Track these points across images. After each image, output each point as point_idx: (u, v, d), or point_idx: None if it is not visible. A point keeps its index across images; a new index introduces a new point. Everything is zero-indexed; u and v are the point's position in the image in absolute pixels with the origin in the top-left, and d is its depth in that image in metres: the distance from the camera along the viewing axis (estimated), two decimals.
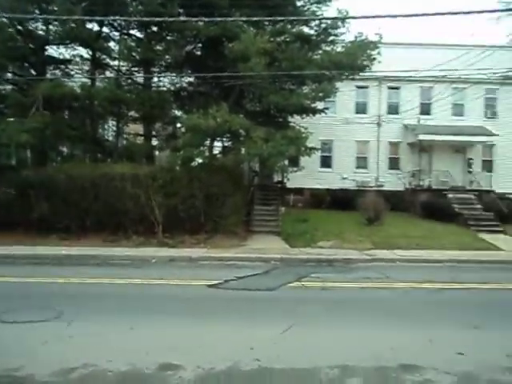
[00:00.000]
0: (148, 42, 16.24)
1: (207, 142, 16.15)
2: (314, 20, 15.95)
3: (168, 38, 16.55)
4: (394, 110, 22.71)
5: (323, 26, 15.86)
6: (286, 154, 14.02)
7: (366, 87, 22.35)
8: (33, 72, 16.81)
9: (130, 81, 17.96)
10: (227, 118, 13.01)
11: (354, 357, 4.73)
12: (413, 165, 21.95)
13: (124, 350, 5.01)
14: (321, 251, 12.69)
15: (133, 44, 16.94)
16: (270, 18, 13.04)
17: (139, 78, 18.06)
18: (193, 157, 15.15)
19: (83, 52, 17.76)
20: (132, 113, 18.43)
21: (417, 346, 5.18)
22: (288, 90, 15.62)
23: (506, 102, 22.60)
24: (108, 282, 8.69)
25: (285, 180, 20.85)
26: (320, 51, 15.92)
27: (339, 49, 15.84)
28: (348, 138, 22.45)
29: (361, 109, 22.74)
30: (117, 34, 17.75)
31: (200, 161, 16.33)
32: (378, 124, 22.52)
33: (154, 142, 20.56)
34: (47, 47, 17.06)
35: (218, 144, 18.52)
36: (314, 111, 16.78)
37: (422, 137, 20.95)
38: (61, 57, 17.90)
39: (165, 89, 18.63)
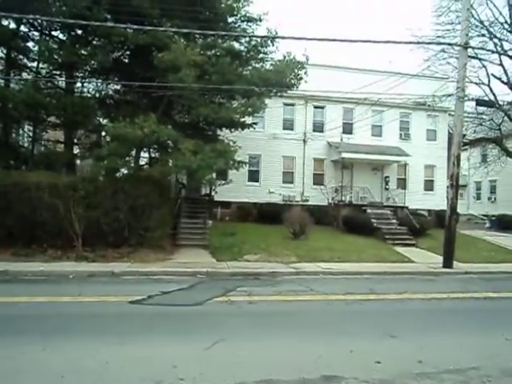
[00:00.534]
0: (72, 44, 15.39)
1: (133, 153, 15.64)
2: (245, 37, 16.26)
3: (94, 42, 15.86)
4: (319, 127, 23.75)
5: (253, 43, 16.21)
6: (215, 166, 13.99)
7: (293, 105, 23.16)
8: None
9: (50, 84, 16.85)
10: (155, 128, 12.72)
11: (278, 370, 4.74)
12: (336, 181, 23.02)
13: (37, 374, 4.58)
14: (247, 265, 12.75)
15: (55, 46, 15.96)
16: (201, 32, 13.05)
17: (61, 82, 17.06)
18: (118, 167, 14.56)
19: None
20: (52, 118, 17.29)
21: (338, 356, 5.34)
22: (217, 104, 15.68)
23: (417, 126, 24.70)
24: (19, 301, 7.95)
25: (213, 193, 20.77)
26: (250, 67, 16.23)
27: (268, 66, 16.28)
28: (275, 154, 23.04)
29: (288, 125, 23.49)
30: (37, 33, 16.68)
31: (125, 171, 15.74)
32: (304, 141, 23.37)
33: (76, 151, 19.48)
34: None
35: (144, 155, 18.00)
36: (243, 126, 17.01)
37: (344, 154, 22.10)
38: None
39: (89, 95, 17.78)
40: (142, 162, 17.77)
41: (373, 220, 19.86)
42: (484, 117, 25.66)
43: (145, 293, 8.62)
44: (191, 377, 4.54)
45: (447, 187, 14.50)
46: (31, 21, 15.44)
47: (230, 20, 16.39)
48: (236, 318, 7.19)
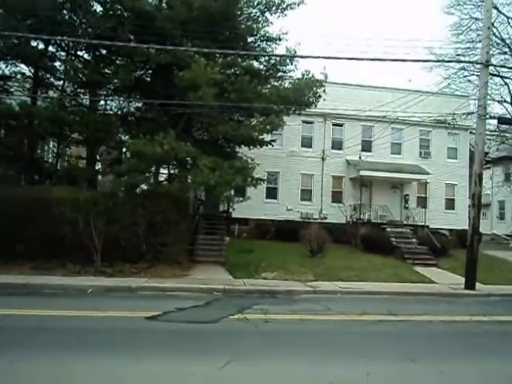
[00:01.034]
0: (96, 64, 15.91)
1: (153, 169, 15.87)
2: (264, 56, 16.50)
3: (117, 61, 16.34)
4: (337, 145, 23.70)
5: (272, 61, 16.44)
6: (233, 183, 14.08)
7: (311, 122, 23.22)
8: None
9: (74, 102, 17.37)
10: (174, 145, 12.91)
11: None
12: (354, 199, 22.81)
13: None
14: (264, 282, 12.66)
15: (80, 65, 16.51)
16: (221, 51, 13.32)
17: (85, 99, 17.55)
18: (137, 183, 14.80)
19: (25, 69, 17.07)
20: (75, 135, 17.75)
21: (355, 379, 5.22)
22: (236, 121, 15.85)
23: (438, 144, 24.39)
24: (38, 314, 8.06)
25: (230, 210, 20.84)
26: (269, 86, 16.42)
27: (287, 84, 16.44)
28: (294, 171, 23.04)
29: (306, 143, 23.52)
30: (63, 53, 17.28)
31: (145, 187, 15.96)
32: (323, 158, 23.33)
33: (98, 166, 19.88)
34: None
35: (164, 171, 18.24)
36: (262, 143, 17.12)
37: (363, 172, 21.94)
38: (0, 73, 17.04)
39: (111, 112, 18.22)
40: (162, 178, 17.99)
41: (392, 239, 19.56)
42: (507, 135, 25.24)
43: (161, 309, 8.62)
44: None
45: (469, 206, 14.21)
46: (58, 41, 16.01)
47: (249, 40, 16.67)
48: (251, 336, 7.12)
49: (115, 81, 16.14)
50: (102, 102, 18.09)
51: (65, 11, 16.12)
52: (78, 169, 18.36)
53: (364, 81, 27.48)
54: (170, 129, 13.71)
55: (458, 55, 20.12)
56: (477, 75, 16.90)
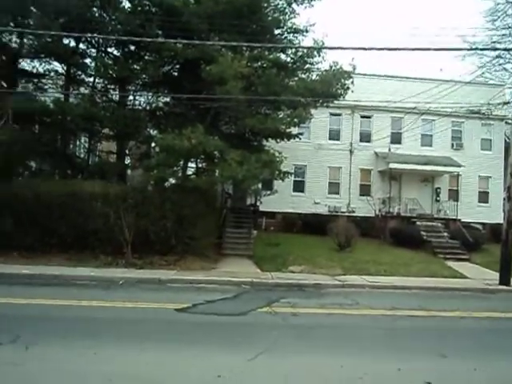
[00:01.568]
0: (125, 60, 16.19)
1: (181, 163, 16.05)
2: (291, 48, 16.35)
3: (146, 57, 16.58)
4: (366, 137, 23.31)
5: (299, 54, 16.26)
6: (260, 177, 14.11)
7: (339, 115, 22.91)
8: (4, 84, 16.41)
9: (104, 98, 17.76)
10: (202, 139, 13.00)
11: None
12: (383, 192, 22.42)
13: (85, 377, 4.77)
14: (292, 276, 12.64)
15: (110, 62, 16.85)
16: (247, 44, 13.28)
17: (114, 95, 17.90)
18: (166, 177, 15.01)
19: (58, 67, 17.55)
20: (105, 130, 18.16)
21: (385, 375, 5.16)
22: (264, 115, 15.81)
23: (470, 135, 23.62)
24: (72, 304, 8.33)
25: (258, 203, 20.87)
26: (296, 78, 16.28)
27: (314, 76, 16.25)
28: (321, 164, 22.84)
29: (334, 135, 23.24)
30: (94, 50, 17.68)
31: (173, 181, 16.18)
32: (351, 151, 23.02)
33: (127, 161, 20.28)
34: (20, 60, 16.75)
35: (191, 165, 18.43)
36: (289, 136, 17.03)
37: (392, 165, 21.51)
38: (34, 71, 17.58)
39: (140, 108, 18.52)
40: (189, 172, 18.20)
41: (422, 233, 19.14)
42: None
43: (190, 301, 8.76)
44: None
45: (504, 199, 13.72)
46: (89, 39, 16.36)
47: (276, 32, 16.56)
48: (279, 329, 7.13)
49: (144, 76, 16.40)
50: (131, 98, 18.39)
51: (95, 9, 16.46)
52: (109, 163, 18.79)
53: (393, 71, 26.83)
54: (198, 123, 13.81)
55: (494, 42, 19.28)
56: None
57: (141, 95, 18.41)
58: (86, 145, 20.01)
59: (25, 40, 16.21)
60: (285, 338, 6.56)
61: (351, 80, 15.66)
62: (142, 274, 11.81)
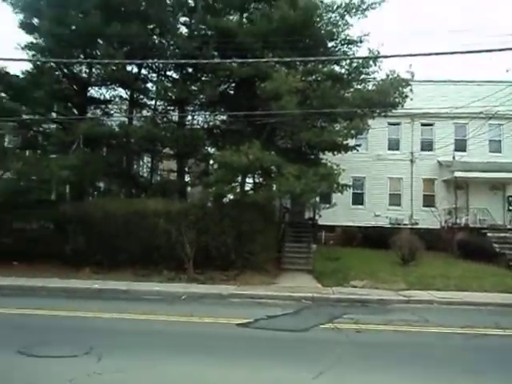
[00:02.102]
0: (183, 82, 16.91)
1: (239, 179, 16.32)
2: (346, 60, 16.22)
3: (203, 78, 17.21)
4: (427, 146, 22.43)
5: (354, 65, 16.08)
6: (318, 190, 13.98)
7: (398, 124, 22.26)
8: (75, 112, 17.72)
9: (165, 119, 18.62)
10: (259, 155, 13.15)
11: None
12: (449, 202, 21.32)
13: None
14: (354, 291, 12.28)
15: (169, 84, 17.70)
16: (301, 59, 13.37)
17: (174, 116, 18.68)
18: (224, 193, 15.31)
19: (122, 92, 18.70)
20: (166, 150, 18.97)
21: None
22: (320, 128, 15.73)
23: None
24: (139, 318, 8.66)
25: (316, 217, 20.65)
26: (351, 89, 16.09)
27: (371, 87, 15.96)
28: (381, 175, 22.22)
29: (393, 145, 22.58)
30: (154, 75, 18.65)
31: (231, 197, 16.46)
32: (411, 161, 22.22)
33: (187, 178, 20.96)
34: (89, 88, 18.04)
35: (249, 180, 18.67)
36: (346, 148, 16.77)
37: (457, 173, 20.44)
38: (101, 97, 18.83)
39: (198, 127, 19.15)
40: (247, 187, 18.44)
41: (494, 245, 17.89)
42: None
43: (251, 316, 8.77)
44: None
45: None
46: (150, 64, 17.28)
47: (330, 45, 16.53)
48: (343, 346, 6.93)
49: (201, 96, 17.00)
50: (190, 117, 19.09)
51: (154, 36, 17.39)
52: (170, 181, 19.54)
53: (454, 76, 25.70)
54: (255, 139, 14.01)
55: None
56: None
57: (199, 115, 19.07)
58: (149, 164, 20.97)
59: (93, 70, 17.48)
60: (349, 356, 6.36)
61: (409, 87, 15.20)
62: (204, 288, 12.02)
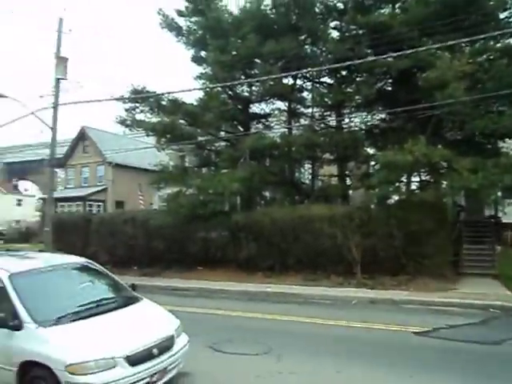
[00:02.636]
0: (338, 86, 16.89)
1: (404, 178, 15.42)
2: None
3: (357, 79, 16.89)
4: None
5: None
6: (500, 184, 12.23)
7: None
8: (240, 128, 19.31)
9: (323, 125, 18.84)
10: (425, 151, 12.19)
11: None
12: None
13: None
14: None
15: (324, 90, 17.89)
16: (468, 39, 11.92)
17: (332, 121, 18.74)
18: (389, 194, 14.63)
19: (280, 105, 19.63)
20: (326, 155, 19.13)
21: None
22: (496, 113, 13.81)
23: None
24: (312, 322, 8.87)
25: (499, 214, 18.08)
26: None
27: None
28: None
29: None
30: (309, 83, 19.06)
31: (396, 198, 15.64)
32: None
33: (348, 182, 20.74)
34: (251, 105, 19.46)
35: (414, 179, 17.47)
36: None
37: None
38: (262, 112, 20.10)
39: (356, 128, 18.81)
40: (413, 186, 17.29)
41: None
42: None
43: (428, 324, 8.16)
44: None
45: None
46: (304, 74, 17.73)
47: (501, 16, 14.44)
48: None
49: (357, 97, 16.65)
50: (347, 120, 18.89)
51: (306, 46, 17.81)
52: (331, 186, 19.59)
53: None
54: (419, 134, 13.07)
55: None
56: None
57: (356, 116, 18.72)
58: (310, 171, 21.46)
59: (253, 88, 18.81)
60: None
61: None
62: (374, 294, 11.65)
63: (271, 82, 16.72)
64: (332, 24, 17.57)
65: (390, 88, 17.12)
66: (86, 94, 24.81)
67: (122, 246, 17.41)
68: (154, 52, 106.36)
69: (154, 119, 18.10)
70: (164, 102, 17.75)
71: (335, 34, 17.39)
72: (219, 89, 17.83)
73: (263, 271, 14.69)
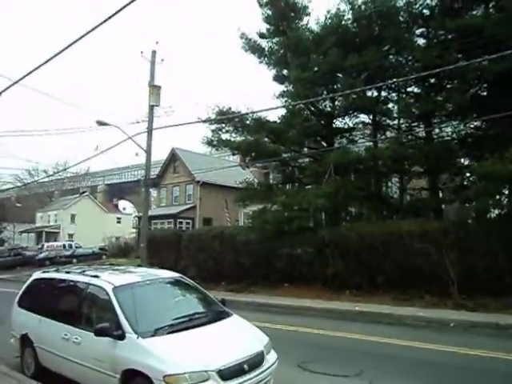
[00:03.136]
0: (427, 95, 16.07)
1: (505, 190, 14.12)
2: None
3: (448, 86, 15.95)
4: None
5: None
6: None
7: None
8: (324, 144, 19.18)
9: (410, 137, 17.98)
10: None
11: None
12: None
13: None
14: None
15: (411, 101, 17.13)
16: None
17: (420, 132, 17.85)
18: (488, 207, 13.46)
19: (364, 118, 19.16)
20: (415, 168, 18.17)
21: None
22: None
23: None
24: (406, 344, 8.38)
25: None
26: None
27: None
28: None
29: None
30: (394, 94, 18.40)
31: (497, 212, 14.33)
32: None
33: (441, 195, 19.47)
34: (334, 120, 19.28)
35: None
36: None
37: None
38: (346, 126, 19.79)
39: (448, 138, 17.69)
40: None
41: None
42: None
43: None
44: None
45: None
46: (389, 85, 17.19)
47: None
48: None
49: (448, 105, 15.68)
50: (437, 130, 17.83)
51: (391, 56, 17.30)
52: (422, 200, 18.53)
53: None
54: None
55: None
56: None
57: (447, 126, 17.61)
58: (398, 185, 20.52)
59: (336, 102, 18.64)
60: None
61: None
62: (475, 316, 10.68)
63: (354, 96, 16.44)
64: (418, 31, 16.91)
65: (485, 93, 15.93)
66: (177, 118, 26.49)
67: (210, 262, 18.04)
68: (237, 74, 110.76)
69: (239, 138, 18.75)
70: (248, 122, 18.32)
71: (421, 41, 16.72)
72: (302, 105, 17.98)
73: (350, 289, 14.25)
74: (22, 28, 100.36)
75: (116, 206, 64.59)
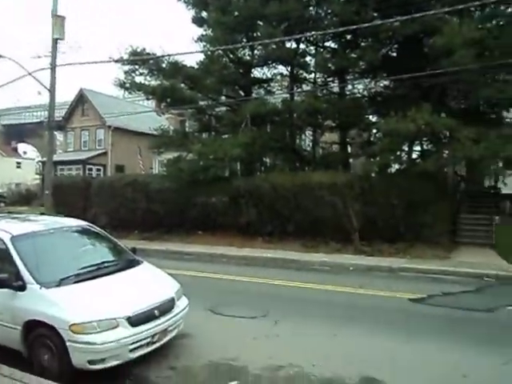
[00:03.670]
0: (343, 51, 16.45)
1: (405, 147, 15.31)
2: None
3: (362, 44, 16.43)
4: None
5: None
6: (502, 154, 12.16)
7: None
8: (241, 93, 18.97)
9: (325, 91, 18.48)
10: (429, 119, 12.05)
11: None
12: None
13: (327, 356, 5.11)
14: None
15: (328, 55, 17.43)
16: (479, 2, 11.51)
17: (334, 87, 18.40)
18: (390, 163, 14.57)
19: (283, 70, 19.17)
20: (328, 122, 18.87)
21: None
22: (502, 82, 13.55)
23: None
24: (308, 287, 9.03)
25: (499, 185, 18.07)
26: None
27: None
28: None
29: None
30: (312, 48, 18.56)
31: (397, 167, 15.58)
32: None
33: (350, 150, 20.60)
34: (253, 70, 19.04)
35: (416, 148, 17.34)
36: None
37: None
38: (264, 77, 19.68)
39: (359, 95, 18.50)
40: (414, 155, 17.17)
41: None
42: None
43: (424, 291, 8.32)
44: None
45: None
46: (308, 38, 17.25)
47: None
48: None
49: (361, 63, 16.26)
50: (350, 87, 18.54)
51: (311, 8, 17.23)
52: (332, 154, 19.47)
53: None
54: (422, 102, 12.87)
55: None
56: None
57: (359, 83, 18.36)
58: (311, 138, 21.25)
59: (255, 51, 18.34)
60: None
61: None
62: (372, 261, 11.82)
63: (274, 46, 16.29)
64: None
65: (395, 54, 16.72)
66: (86, 56, 24.25)
67: (122, 210, 17.46)
68: (153, 12, 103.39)
69: (154, 82, 17.77)
70: (164, 65, 17.37)
71: None
72: (221, 52, 17.42)
73: (263, 237, 14.82)
74: None
75: (15, 149, 58.86)
